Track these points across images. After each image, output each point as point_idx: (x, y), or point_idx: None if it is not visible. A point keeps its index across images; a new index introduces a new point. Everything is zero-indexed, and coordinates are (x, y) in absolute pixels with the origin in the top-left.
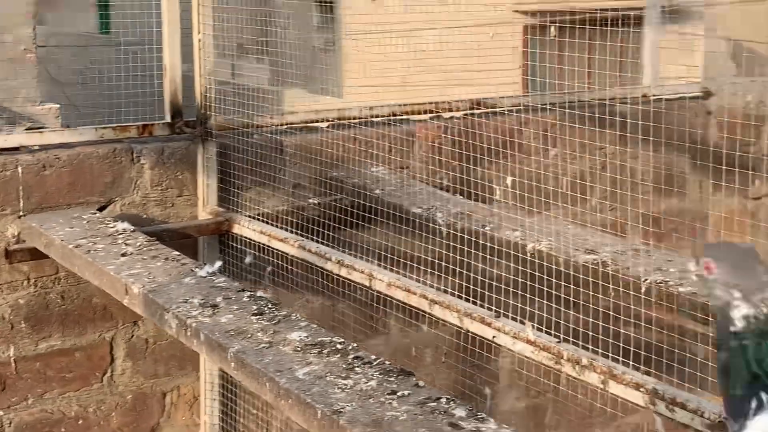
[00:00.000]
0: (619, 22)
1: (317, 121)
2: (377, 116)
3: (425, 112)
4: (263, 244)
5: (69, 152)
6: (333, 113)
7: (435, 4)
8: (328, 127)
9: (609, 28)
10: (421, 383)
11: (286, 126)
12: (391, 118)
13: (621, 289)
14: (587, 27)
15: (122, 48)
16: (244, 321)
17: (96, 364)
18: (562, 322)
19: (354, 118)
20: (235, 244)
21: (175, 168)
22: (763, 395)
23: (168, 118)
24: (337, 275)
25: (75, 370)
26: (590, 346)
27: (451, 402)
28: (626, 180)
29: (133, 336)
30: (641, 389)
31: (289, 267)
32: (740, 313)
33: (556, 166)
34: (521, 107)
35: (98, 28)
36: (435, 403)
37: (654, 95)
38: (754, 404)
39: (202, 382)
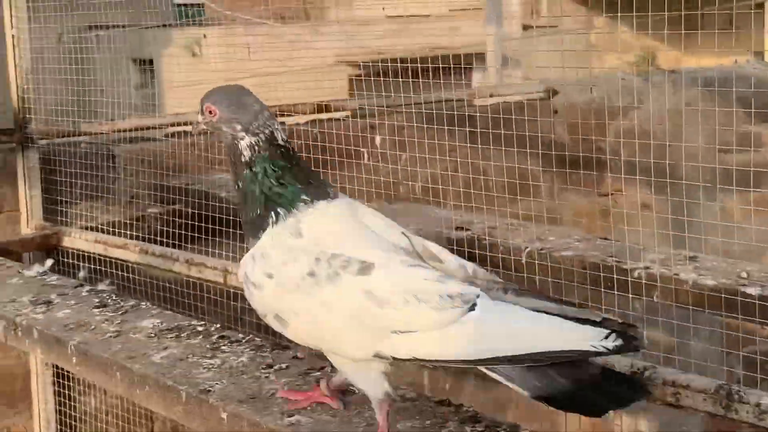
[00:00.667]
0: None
1: (152, 128)
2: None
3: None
4: (99, 255)
5: None
6: (168, 119)
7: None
8: (167, 135)
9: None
10: (300, 355)
11: (119, 132)
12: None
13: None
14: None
15: None
16: (85, 314)
17: None
18: None
19: (190, 123)
20: (66, 259)
21: None
22: (280, 210)
23: None
24: (188, 276)
25: None
26: None
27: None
28: (479, 183)
29: None
30: None
31: (132, 276)
32: (245, 143)
33: (407, 170)
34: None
35: None
36: (319, 373)
37: (500, 95)
38: (271, 219)
39: (36, 421)
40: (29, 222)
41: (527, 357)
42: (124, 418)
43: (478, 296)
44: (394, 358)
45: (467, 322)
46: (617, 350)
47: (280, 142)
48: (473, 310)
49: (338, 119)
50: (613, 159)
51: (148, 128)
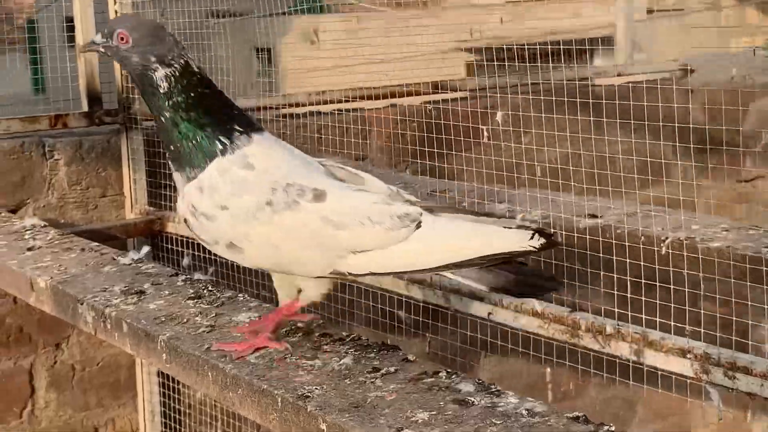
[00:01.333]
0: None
1: (259, 109)
2: (328, 101)
3: (380, 97)
4: None
5: None
6: (278, 99)
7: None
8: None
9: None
10: (411, 357)
11: None
12: (341, 106)
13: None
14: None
15: None
16: (178, 306)
17: (13, 397)
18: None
19: (301, 105)
20: (170, 246)
21: (96, 164)
22: (223, 138)
23: (85, 107)
24: None
25: None
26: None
27: (453, 376)
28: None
29: (56, 362)
30: (688, 355)
31: (236, 265)
32: (161, 74)
33: (527, 154)
34: (479, 89)
35: None
36: (432, 379)
37: (630, 74)
38: (218, 147)
39: (141, 413)
40: (133, 206)
41: (471, 262)
42: (228, 413)
43: (421, 214)
44: (350, 274)
45: (417, 238)
46: (542, 248)
47: (195, 69)
48: (420, 227)
49: (450, 100)
50: (754, 141)
51: (252, 110)
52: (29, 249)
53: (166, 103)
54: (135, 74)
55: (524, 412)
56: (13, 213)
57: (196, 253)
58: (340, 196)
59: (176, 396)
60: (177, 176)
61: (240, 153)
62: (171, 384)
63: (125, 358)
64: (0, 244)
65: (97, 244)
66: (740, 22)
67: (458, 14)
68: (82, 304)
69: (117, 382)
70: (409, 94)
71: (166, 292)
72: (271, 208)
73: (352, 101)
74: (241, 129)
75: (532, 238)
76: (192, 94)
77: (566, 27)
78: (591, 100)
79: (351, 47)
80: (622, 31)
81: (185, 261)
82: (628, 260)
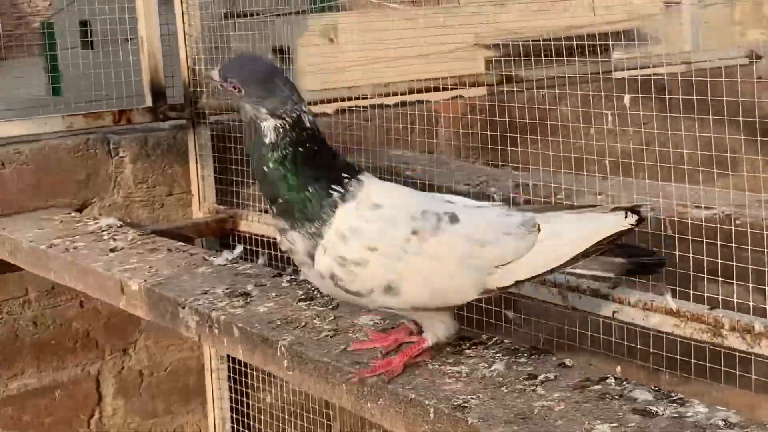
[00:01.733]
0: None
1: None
2: (394, 93)
3: (445, 89)
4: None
5: (32, 146)
6: (343, 92)
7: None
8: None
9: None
10: (568, 362)
11: None
12: (407, 98)
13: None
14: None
15: None
16: (290, 309)
17: (80, 404)
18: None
19: (366, 97)
20: (243, 245)
21: (162, 161)
22: (337, 187)
23: (149, 102)
24: None
25: (55, 412)
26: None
27: (624, 382)
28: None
29: (123, 367)
30: None
31: None
32: (269, 125)
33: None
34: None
35: None
36: (600, 386)
37: (697, 61)
38: (336, 194)
39: (211, 420)
40: (201, 205)
41: (591, 250)
42: (300, 416)
43: (534, 218)
44: (498, 288)
45: (543, 240)
46: (636, 224)
47: (307, 125)
48: (539, 230)
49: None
50: None
51: (322, 102)
52: (112, 250)
53: (271, 153)
54: (245, 120)
55: (720, 423)
56: (78, 213)
57: (273, 252)
58: (471, 214)
59: (247, 401)
60: (294, 235)
61: (361, 197)
62: (242, 389)
63: (194, 362)
64: (79, 246)
65: (182, 243)
66: (755, 16)
67: (476, 10)
68: (183, 308)
69: (186, 387)
70: (478, 84)
71: (273, 294)
72: (418, 237)
73: (417, 93)
74: (348, 175)
75: (626, 217)
76: (300, 149)
77: (583, 22)
78: (661, 89)
79: (369, 44)
80: (687, 18)
81: (260, 261)
82: None
